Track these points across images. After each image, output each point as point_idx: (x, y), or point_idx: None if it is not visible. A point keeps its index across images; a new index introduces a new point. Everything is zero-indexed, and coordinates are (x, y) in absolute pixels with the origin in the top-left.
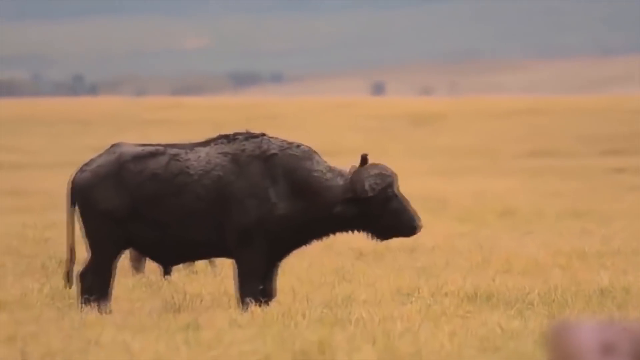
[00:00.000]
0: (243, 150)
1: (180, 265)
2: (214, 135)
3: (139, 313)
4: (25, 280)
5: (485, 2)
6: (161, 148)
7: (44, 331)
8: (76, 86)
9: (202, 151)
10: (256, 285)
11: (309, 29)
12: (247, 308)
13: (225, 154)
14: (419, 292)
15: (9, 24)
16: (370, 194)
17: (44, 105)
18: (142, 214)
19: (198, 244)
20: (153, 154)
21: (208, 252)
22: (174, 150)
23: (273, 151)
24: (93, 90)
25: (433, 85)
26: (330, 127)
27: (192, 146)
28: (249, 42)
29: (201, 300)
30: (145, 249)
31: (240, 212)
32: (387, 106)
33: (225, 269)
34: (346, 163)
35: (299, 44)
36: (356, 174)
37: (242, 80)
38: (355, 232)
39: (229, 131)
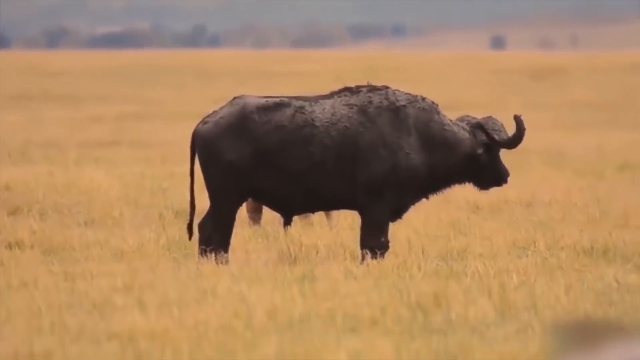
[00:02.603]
0: (370, 102)
1: (296, 217)
2: (335, 87)
3: (255, 264)
4: (143, 230)
5: None
6: (285, 100)
7: (160, 281)
8: (197, 37)
9: (327, 103)
10: (380, 237)
11: None
12: (363, 260)
13: (350, 105)
14: (535, 246)
15: None
16: (512, 142)
17: (165, 56)
18: (266, 164)
19: (323, 195)
20: (278, 106)
21: (333, 203)
22: (298, 103)
23: (402, 103)
24: (214, 41)
25: (553, 38)
26: (450, 80)
27: (316, 98)
28: None
29: (317, 252)
30: (268, 200)
31: (372, 162)
32: (507, 60)
33: (341, 220)
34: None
35: None
36: (487, 124)
37: (363, 32)
38: (466, 184)
39: (351, 83)
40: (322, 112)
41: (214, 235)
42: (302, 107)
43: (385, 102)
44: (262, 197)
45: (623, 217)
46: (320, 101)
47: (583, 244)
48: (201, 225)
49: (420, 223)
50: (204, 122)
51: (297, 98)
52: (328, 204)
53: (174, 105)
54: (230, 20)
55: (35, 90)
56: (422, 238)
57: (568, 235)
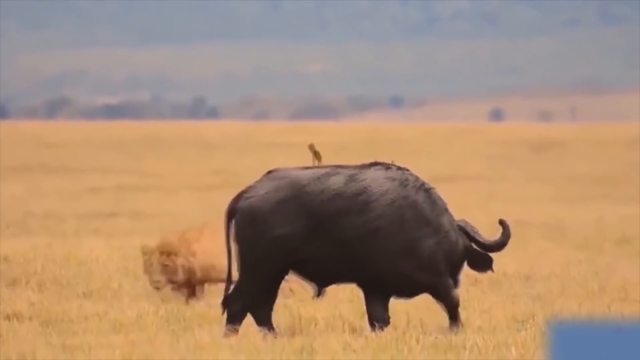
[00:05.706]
0: (407, 179)
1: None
2: (337, 159)
3: (253, 337)
4: (141, 302)
5: (608, 29)
6: (331, 169)
7: (159, 353)
8: (196, 109)
9: (368, 173)
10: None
11: (432, 54)
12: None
13: (391, 179)
14: (534, 319)
15: (130, 49)
16: (497, 246)
17: (165, 127)
18: (320, 235)
19: (370, 264)
20: (329, 174)
21: (376, 273)
22: (347, 171)
23: (428, 186)
24: (214, 113)
25: (553, 111)
26: (451, 153)
27: (357, 168)
28: (370, 66)
29: (315, 324)
30: (310, 270)
31: (417, 239)
32: (507, 132)
33: (339, 293)
34: (468, 189)
35: (421, 69)
36: (468, 227)
37: (363, 104)
38: None
39: (352, 154)
40: (372, 181)
41: (242, 311)
42: (353, 175)
43: (419, 182)
44: (304, 269)
45: (622, 290)
46: (362, 171)
47: (582, 318)
48: (228, 302)
49: (419, 296)
50: (245, 198)
51: (340, 166)
52: (370, 275)
53: (173, 176)
54: (229, 93)
55: (35, 161)
56: (421, 311)
57: (567, 308)
